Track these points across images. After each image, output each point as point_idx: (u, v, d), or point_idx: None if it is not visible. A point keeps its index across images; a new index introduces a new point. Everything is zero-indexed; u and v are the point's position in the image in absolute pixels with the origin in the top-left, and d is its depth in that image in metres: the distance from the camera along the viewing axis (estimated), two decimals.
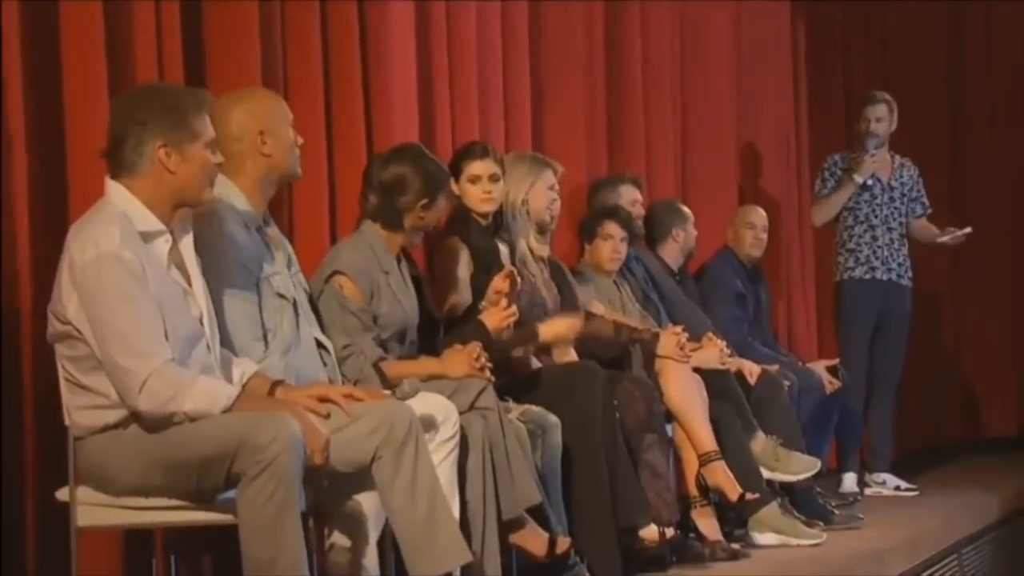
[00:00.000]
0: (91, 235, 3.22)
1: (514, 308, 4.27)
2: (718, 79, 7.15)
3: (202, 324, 3.36)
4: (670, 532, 4.64)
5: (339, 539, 3.62)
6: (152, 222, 3.31)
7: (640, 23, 6.51)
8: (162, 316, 3.23)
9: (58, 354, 3.32)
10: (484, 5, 5.45)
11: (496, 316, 4.24)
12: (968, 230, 7.18)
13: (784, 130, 7.72)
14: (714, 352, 5.41)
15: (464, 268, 4.63)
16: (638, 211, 5.85)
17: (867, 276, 7.01)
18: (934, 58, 9.10)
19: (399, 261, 4.21)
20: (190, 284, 3.37)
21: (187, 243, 3.40)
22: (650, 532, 4.60)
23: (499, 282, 4.30)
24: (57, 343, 3.30)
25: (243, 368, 3.44)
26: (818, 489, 5.92)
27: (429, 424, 3.70)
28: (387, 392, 3.68)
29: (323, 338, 3.80)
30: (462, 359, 4.01)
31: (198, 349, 3.31)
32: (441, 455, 3.72)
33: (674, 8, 6.84)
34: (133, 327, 3.18)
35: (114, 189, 3.31)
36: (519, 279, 4.35)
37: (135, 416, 3.25)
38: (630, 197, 5.81)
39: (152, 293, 3.22)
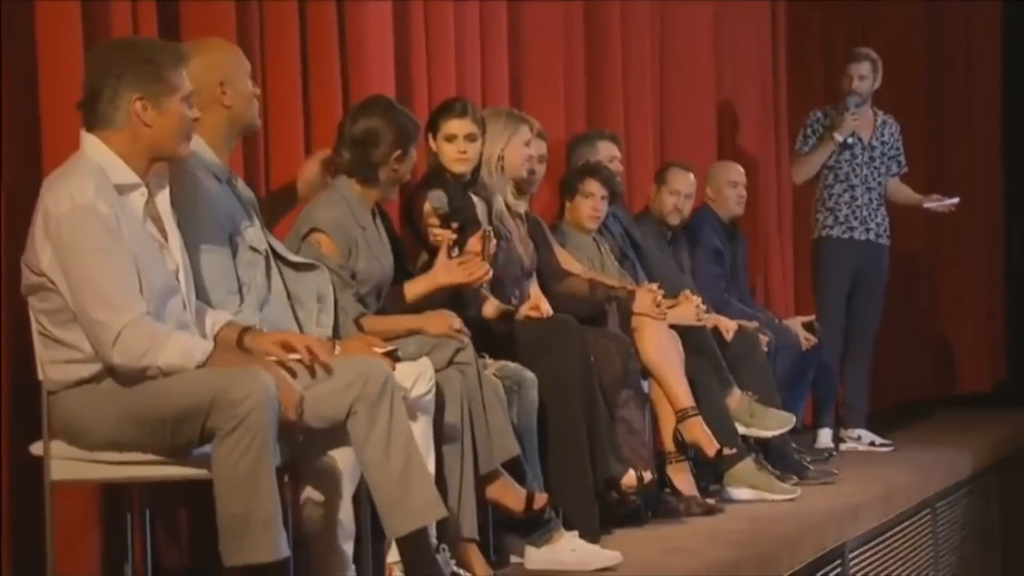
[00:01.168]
0: (66, 187, 3.20)
1: (481, 265, 4.26)
2: (696, 36, 7.12)
3: (178, 279, 3.35)
4: (648, 476, 4.66)
5: (313, 494, 3.62)
6: (128, 175, 3.29)
7: (620, 5, 6.47)
8: (137, 270, 3.21)
9: (31, 307, 3.31)
10: None
11: (468, 268, 4.22)
12: (956, 200, 7.18)
13: (762, 86, 7.70)
14: (690, 309, 5.42)
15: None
16: (616, 167, 5.84)
17: (845, 235, 7.02)
18: (913, 12, 9.09)
19: (374, 216, 4.20)
20: (166, 238, 3.36)
21: (163, 197, 3.38)
22: (628, 478, 4.62)
23: (474, 242, 4.29)
24: (31, 296, 3.29)
25: (215, 318, 3.43)
26: (793, 444, 5.95)
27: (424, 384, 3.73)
28: (381, 344, 3.67)
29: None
30: (441, 319, 4.01)
31: (173, 303, 3.31)
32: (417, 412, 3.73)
33: None
34: (107, 280, 3.17)
35: (89, 142, 3.29)
36: (494, 239, 4.34)
37: (109, 370, 3.24)
38: (608, 153, 5.80)
39: (127, 246, 3.20)
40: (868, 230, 7.03)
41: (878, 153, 7.08)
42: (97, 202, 3.17)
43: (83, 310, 3.18)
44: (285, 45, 4.53)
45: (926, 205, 7.19)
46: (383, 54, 4.94)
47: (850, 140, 7.01)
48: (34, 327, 3.33)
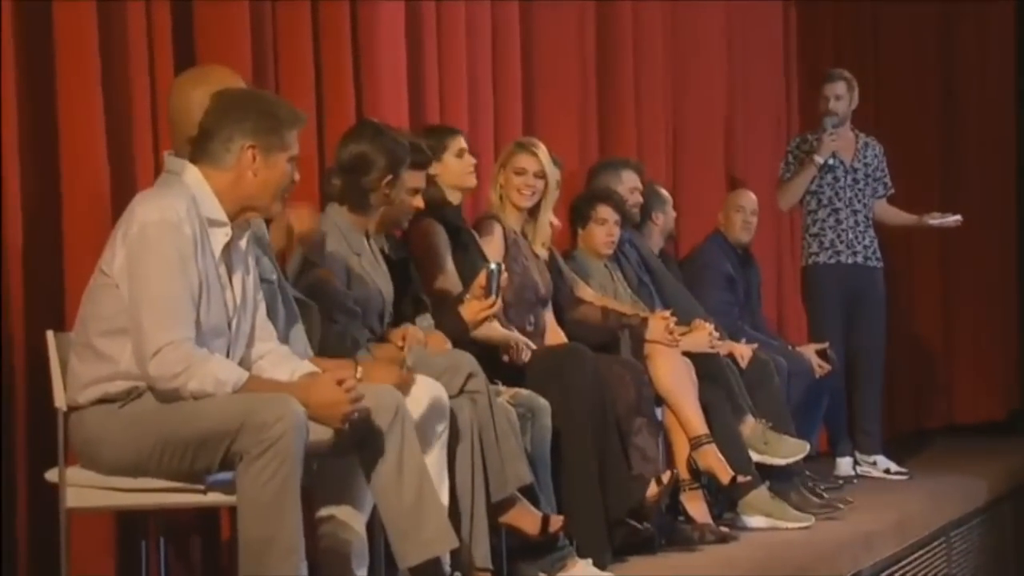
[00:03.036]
0: (160, 202, 3.27)
1: (493, 300, 4.26)
2: (709, 63, 7.15)
3: (230, 327, 3.37)
4: (667, 476, 4.64)
5: (328, 521, 3.62)
6: (218, 212, 3.35)
7: (632, 8, 6.51)
8: (197, 300, 3.25)
9: (81, 314, 3.33)
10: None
11: (473, 308, 4.24)
12: (958, 217, 7.15)
13: (775, 113, 7.72)
14: (703, 336, 5.42)
15: (443, 248, 4.61)
16: (636, 199, 5.84)
17: (831, 261, 6.91)
18: (925, 38, 9.10)
19: (368, 240, 4.20)
20: (231, 283, 3.38)
21: (241, 246, 3.42)
22: (652, 490, 4.60)
23: (482, 278, 4.30)
24: (88, 299, 3.32)
25: (294, 366, 3.47)
26: (807, 472, 5.93)
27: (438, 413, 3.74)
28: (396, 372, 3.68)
29: None
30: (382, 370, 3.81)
31: (217, 344, 3.32)
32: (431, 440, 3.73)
33: None
34: (167, 296, 3.21)
35: (191, 172, 3.36)
36: (504, 273, 4.31)
37: (136, 392, 3.26)
38: (631, 184, 5.81)
39: (195, 274, 3.25)
40: (855, 253, 6.94)
41: (861, 175, 7.00)
42: (183, 223, 3.24)
43: (137, 317, 3.22)
44: (298, 46, 4.55)
45: (930, 223, 7.12)
46: (396, 56, 4.95)
47: (832, 162, 6.91)
48: (52, 353, 3.35)
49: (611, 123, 6.37)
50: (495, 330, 4.55)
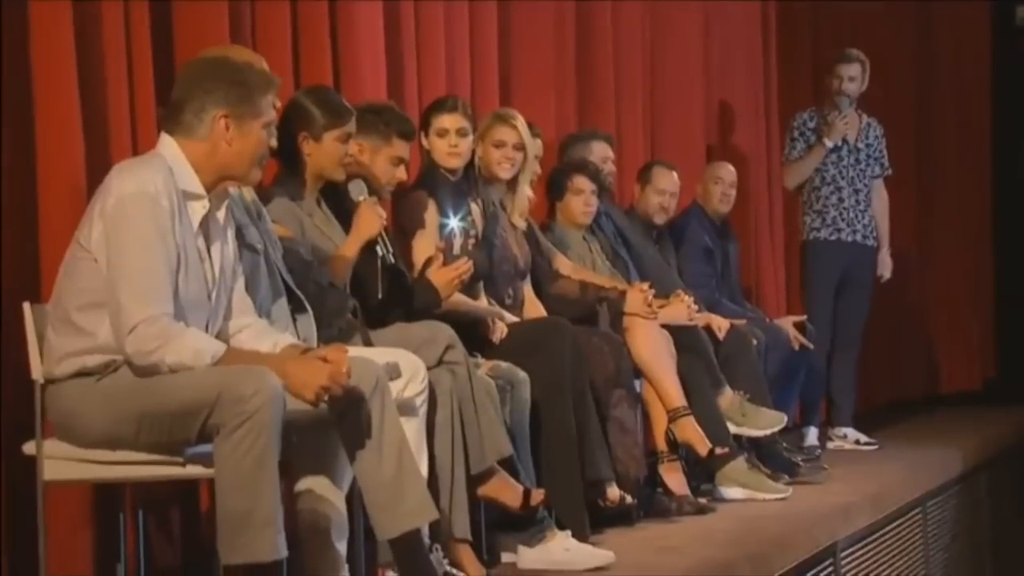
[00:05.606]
0: (136, 174, 3.25)
1: (464, 263, 4.24)
2: (687, 35, 7.13)
3: (210, 298, 3.35)
4: (629, 499, 4.66)
5: (307, 494, 3.62)
6: (195, 184, 3.32)
7: (611, 7, 6.48)
8: (175, 273, 3.24)
9: (57, 288, 3.31)
10: None
11: (442, 274, 4.22)
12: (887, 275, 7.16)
13: (753, 87, 7.71)
14: (681, 308, 5.42)
15: (431, 218, 4.60)
16: (610, 168, 5.84)
17: (832, 237, 7.04)
18: (902, 37, 9.10)
19: (320, 204, 4.15)
20: (210, 255, 3.36)
21: (219, 218, 3.39)
22: (613, 493, 4.62)
23: (440, 242, 4.26)
24: (65, 273, 3.30)
25: (276, 339, 3.45)
26: (784, 444, 5.96)
27: (417, 384, 3.72)
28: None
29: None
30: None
31: (196, 317, 3.30)
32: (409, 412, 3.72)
33: None
34: (145, 270, 3.19)
35: (167, 143, 3.34)
36: (457, 237, 4.25)
37: (113, 366, 3.24)
38: (602, 154, 5.80)
39: (173, 247, 3.23)
40: (855, 231, 7.06)
41: (863, 155, 7.09)
42: (160, 195, 3.21)
43: (114, 291, 3.20)
44: (277, 46, 4.53)
45: (883, 255, 7.16)
46: (375, 54, 4.94)
47: (838, 143, 7.02)
48: (29, 325, 3.33)
49: (589, 101, 6.34)
50: (467, 303, 4.54)
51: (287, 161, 4.08)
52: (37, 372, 3.34)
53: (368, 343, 3.92)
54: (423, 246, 4.50)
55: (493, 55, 5.72)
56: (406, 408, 3.71)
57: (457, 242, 4.25)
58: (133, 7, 4.01)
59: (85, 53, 3.84)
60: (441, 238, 4.52)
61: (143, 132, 3.98)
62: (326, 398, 3.30)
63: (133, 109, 4.00)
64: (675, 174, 6.16)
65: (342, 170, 4.10)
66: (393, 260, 4.13)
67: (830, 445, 7.04)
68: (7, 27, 3.69)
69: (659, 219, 6.14)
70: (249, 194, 3.79)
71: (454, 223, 4.19)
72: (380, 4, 5.00)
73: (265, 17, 4.52)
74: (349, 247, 4.06)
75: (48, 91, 3.74)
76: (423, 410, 3.81)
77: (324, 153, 4.06)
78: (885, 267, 7.19)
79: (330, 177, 4.10)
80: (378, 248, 4.08)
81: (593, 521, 4.54)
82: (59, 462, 3.33)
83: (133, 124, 4.00)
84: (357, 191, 4.13)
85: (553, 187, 5.62)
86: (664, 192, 6.11)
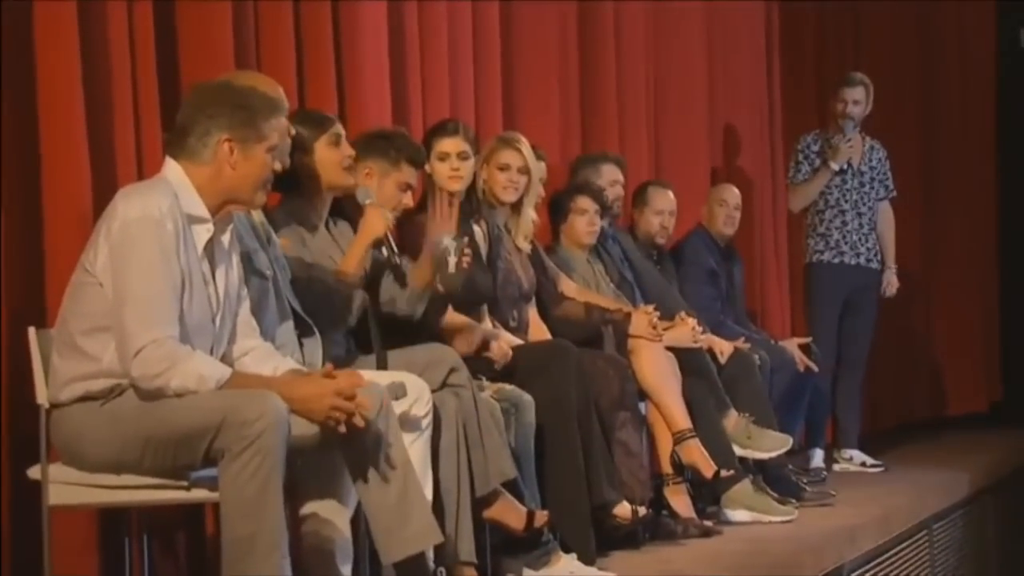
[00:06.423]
0: (141, 198, 3.26)
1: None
2: (692, 59, 7.15)
3: (214, 323, 3.36)
4: (642, 511, 4.66)
5: (312, 519, 3.62)
6: (199, 208, 3.34)
7: (614, 4, 6.50)
8: (180, 296, 3.25)
9: (63, 312, 3.32)
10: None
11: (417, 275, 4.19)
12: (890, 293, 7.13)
13: (758, 110, 7.72)
14: (686, 331, 5.43)
15: None
16: (617, 192, 5.84)
17: (836, 260, 7.05)
18: (906, 38, 9.13)
19: (328, 225, 4.16)
20: (215, 279, 3.37)
21: (224, 241, 3.41)
22: (623, 509, 4.62)
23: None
24: (70, 296, 3.31)
25: (277, 364, 3.46)
26: (790, 466, 5.95)
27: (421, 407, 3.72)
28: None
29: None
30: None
31: (200, 341, 3.31)
32: (414, 434, 3.72)
33: None
34: (150, 294, 3.20)
35: (172, 168, 3.36)
36: (452, 256, 4.26)
37: (118, 390, 3.25)
38: (611, 176, 5.80)
39: (178, 271, 3.24)
40: (858, 255, 7.07)
41: (867, 178, 7.10)
42: (165, 220, 3.23)
43: (119, 315, 3.21)
44: (280, 46, 4.54)
45: (888, 274, 7.15)
46: (378, 55, 4.93)
47: (843, 166, 7.04)
48: (34, 350, 3.34)
49: (594, 123, 6.35)
50: (471, 326, 4.54)
51: (290, 186, 4.09)
52: (42, 396, 3.34)
53: (383, 364, 3.93)
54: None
55: (496, 59, 5.71)
56: (411, 424, 3.71)
57: (452, 260, 4.23)
58: (137, 8, 4.01)
59: (89, 54, 3.84)
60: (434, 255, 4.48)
61: (149, 156, 4.00)
62: (343, 419, 3.28)
63: (138, 133, 4.01)
64: (670, 192, 6.14)
65: (347, 174, 4.11)
66: (399, 261, 4.14)
67: (836, 467, 7.03)
68: (11, 27, 3.70)
69: (661, 239, 6.13)
70: (258, 217, 3.80)
71: (446, 240, 4.16)
72: (384, 5, 5.01)
73: (268, 17, 4.52)
74: (356, 248, 4.07)
75: (53, 114, 3.75)
76: (428, 432, 3.81)
77: (322, 163, 4.07)
78: (891, 285, 7.17)
79: (340, 184, 4.10)
80: (383, 249, 4.10)
81: (599, 544, 4.53)
82: (64, 486, 3.33)
83: (138, 148, 4.01)
84: (364, 195, 4.15)
85: (556, 209, 5.62)
86: (662, 212, 6.10)
